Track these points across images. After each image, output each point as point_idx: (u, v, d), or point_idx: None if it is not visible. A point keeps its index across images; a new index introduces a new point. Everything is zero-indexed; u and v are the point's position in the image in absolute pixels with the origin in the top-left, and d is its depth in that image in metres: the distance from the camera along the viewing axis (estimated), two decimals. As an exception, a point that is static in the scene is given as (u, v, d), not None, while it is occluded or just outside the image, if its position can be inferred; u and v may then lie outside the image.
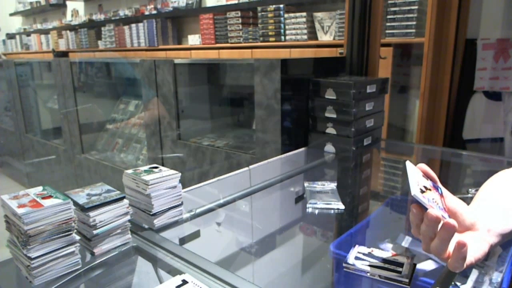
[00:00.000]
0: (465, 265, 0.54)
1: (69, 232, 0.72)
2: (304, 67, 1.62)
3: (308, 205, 0.99)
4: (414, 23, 2.47)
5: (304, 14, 3.16)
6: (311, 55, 2.95)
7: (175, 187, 0.85)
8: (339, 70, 1.74)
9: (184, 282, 0.61)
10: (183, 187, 0.89)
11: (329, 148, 1.50)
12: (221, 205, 1.02)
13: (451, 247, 0.55)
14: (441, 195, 0.61)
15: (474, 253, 0.56)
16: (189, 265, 0.71)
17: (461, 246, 0.52)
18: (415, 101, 2.57)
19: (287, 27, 3.28)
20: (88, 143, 3.20)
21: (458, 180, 1.29)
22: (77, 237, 0.73)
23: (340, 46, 2.04)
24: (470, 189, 1.05)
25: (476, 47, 2.22)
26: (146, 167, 0.88)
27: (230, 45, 3.73)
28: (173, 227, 0.86)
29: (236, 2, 3.66)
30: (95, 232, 0.77)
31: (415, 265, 0.66)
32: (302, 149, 1.55)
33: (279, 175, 1.26)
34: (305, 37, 3.18)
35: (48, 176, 3.59)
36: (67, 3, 6.11)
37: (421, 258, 0.69)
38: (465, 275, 0.62)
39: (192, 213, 0.94)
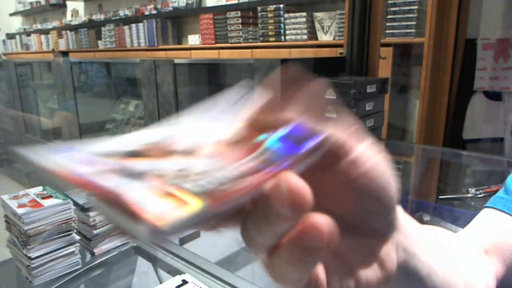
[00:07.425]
0: None
1: (69, 232, 0.72)
2: (304, 67, 1.63)
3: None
4: (414, 23, 2.47)
5: (304, 14, 3.15)
6: (311, 55, 2.95)
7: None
8: (339, 70, 1.74)
9: (184, 282, 0.61)
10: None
11: (329, 148, 1.49)
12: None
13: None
14: None
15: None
16: (189, 265, 0.71)
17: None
18: (415, 101, 2.57)
19: (287, 27, 3.28)
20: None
21: (458, 180, 1.29)
22: (77, 237, 0.73)
23: (340, 46, 2.04)
24: (470, 189, 1.05)
25: (476, 47, 2.22)
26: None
27: (230, 45, 3.73)
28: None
29: (236, 2, 3.66)
30: (95, 232, 0.77)
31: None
32: (302, 149, 1.54)
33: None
34: (305, 37, 3.17)
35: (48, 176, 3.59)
36: (67, 3, 6.11)
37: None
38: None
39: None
